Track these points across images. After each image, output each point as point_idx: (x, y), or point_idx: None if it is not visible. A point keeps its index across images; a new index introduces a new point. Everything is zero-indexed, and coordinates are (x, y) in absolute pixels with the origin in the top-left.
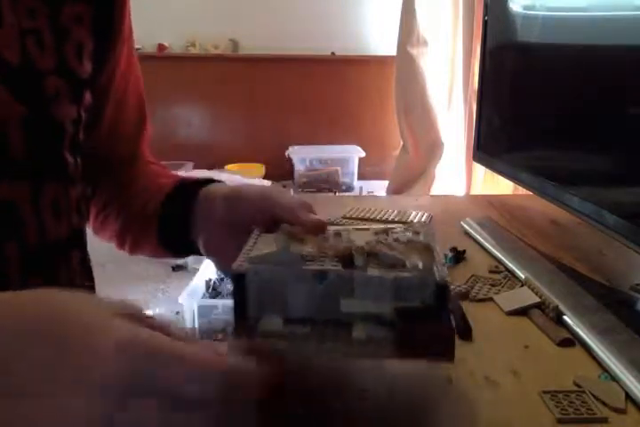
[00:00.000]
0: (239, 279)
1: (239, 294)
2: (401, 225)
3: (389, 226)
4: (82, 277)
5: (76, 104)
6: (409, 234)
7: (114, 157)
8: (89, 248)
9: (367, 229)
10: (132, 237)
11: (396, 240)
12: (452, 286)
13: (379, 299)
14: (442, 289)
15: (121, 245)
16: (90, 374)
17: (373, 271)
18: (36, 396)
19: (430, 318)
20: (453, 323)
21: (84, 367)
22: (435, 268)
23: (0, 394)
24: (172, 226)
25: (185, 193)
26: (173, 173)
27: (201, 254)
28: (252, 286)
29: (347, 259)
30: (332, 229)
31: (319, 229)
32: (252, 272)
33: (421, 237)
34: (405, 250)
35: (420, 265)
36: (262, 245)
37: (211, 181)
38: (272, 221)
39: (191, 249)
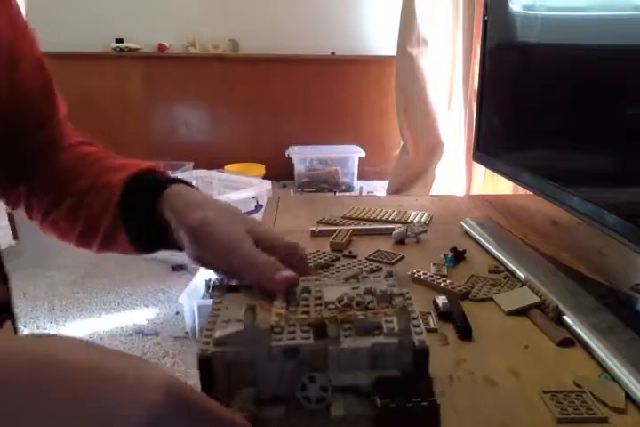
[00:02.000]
0: (205, 364)
1: (206, 379)
2: (372, 277)
3: (358, 273)
4: None
5: None
6: (381, 284)
7: (29, 136)
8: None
9: (336, 276)
10: (99, 240)
11: (369, 292)
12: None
13: (355, 370)
14: (421, 354)
15: (85, 245)
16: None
17: (348, 342)
18: None
19: (410, 390)
20: (435, 394)
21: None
22: (412, 329)
23: None
24: (142, 224)
25: (141, 200)
26: (112, 157)
27: (177, 248)
28: (219, 370)
29: (318, 329)
30: (300, 283)
31: (289, 288)
32: (218, 356)
33: (393, 282)
34: (379, 307)
35: (397, 328)
36: (226, 315)
37: (166, 182)
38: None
39: (169, 244)
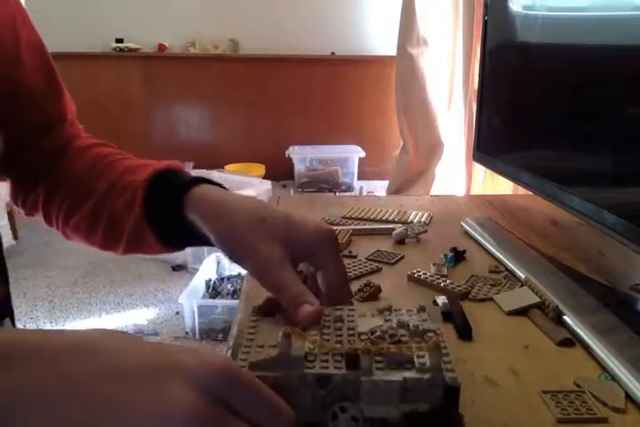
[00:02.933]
0: None
1: None
2: (405, 310)
3: (393, 308)
4: None
5: None
6: (414, 318)
7: (40, 137)
8: (89, 248)
9: (369, 308)
10: (124, 241)
11: (401, 326)
12: (459, 386)
13: (386, 402)
14: (452, 391)
15: (110, 248)
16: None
17: (380, 374)
18: None
19: (440, 424)
20: None
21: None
22: (443, 365)
23: None
24: (167, 223)
25: (166, 200)
26: (130, 158)
27: (206, 244)
28: None
29: (351, 359)
30: (333, 312)
31: (313, 322)
32: None
33: (426, 317)
34: (411, 341)
35: (428, 363)
36: (261, 340)
37: (190, 183)
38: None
39: (198, 240)
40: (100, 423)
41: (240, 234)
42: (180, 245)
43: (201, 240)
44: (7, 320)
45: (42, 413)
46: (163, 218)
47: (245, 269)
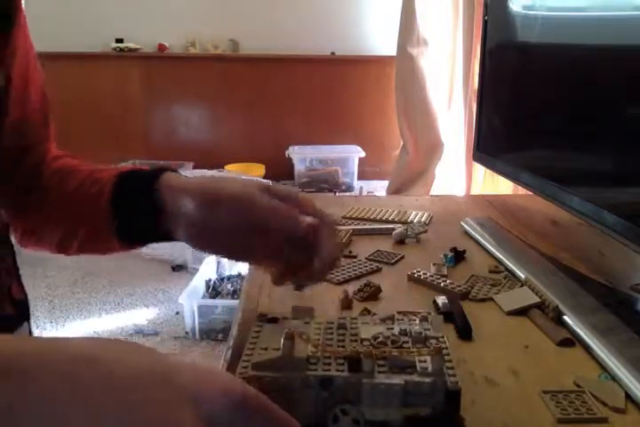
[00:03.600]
0: None
1: None
2: (406, 318)
3: (395, 315)
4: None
5: None
6: (416, 327)
7: (20, 162)
8: None
9: (372, 316)
10: (79, 241)
11: (404, 333)
12: (457, 388)
13: (387, 405)
14: (453, 395)
15: (62, 250)
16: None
17: (381, 377)
18: None
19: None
20: None
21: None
22: (445, 370)
23: None
24: (135, 219)
25: (137, 186)
26: (95, 165)
27: (173, 240)
28: None
29: (353, 362)
30: (336, 321)
31: (315, 233)
32: (255, 380)
33: (429, 326)
34: (413, 347)
35: (430, 368)
36: (265, 342)
37: (160, 170)
38: (257, 229)
39: (161, 237)
40: (101, 424)
41: (220, 179)
42: (139, 241)
43: (165, 233)
44: (25, 324)
45: (41, 412)
46: (128, 208)
47: (221, 215)
